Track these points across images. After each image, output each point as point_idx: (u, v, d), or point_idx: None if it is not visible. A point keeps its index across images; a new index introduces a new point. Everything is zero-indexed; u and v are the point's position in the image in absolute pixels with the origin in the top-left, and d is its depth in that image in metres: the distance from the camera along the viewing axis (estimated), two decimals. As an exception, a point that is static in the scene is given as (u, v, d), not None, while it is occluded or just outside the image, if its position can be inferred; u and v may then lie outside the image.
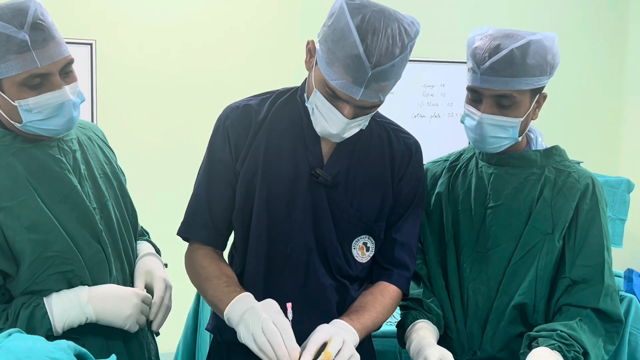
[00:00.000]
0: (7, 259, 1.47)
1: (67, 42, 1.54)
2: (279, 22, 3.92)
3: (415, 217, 1.70)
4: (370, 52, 1.39)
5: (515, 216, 1.68)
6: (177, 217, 1.70)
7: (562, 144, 1.79)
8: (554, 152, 1.74)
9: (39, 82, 1.44)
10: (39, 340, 1.14)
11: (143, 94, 3.75)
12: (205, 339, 2.33)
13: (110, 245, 1.62)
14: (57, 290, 1.52)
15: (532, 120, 1.71)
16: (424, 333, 1.62)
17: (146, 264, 1.74)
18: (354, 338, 1.48)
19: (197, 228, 1.64)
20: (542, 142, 1.76)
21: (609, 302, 1.61)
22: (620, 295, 2.15)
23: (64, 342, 1.15)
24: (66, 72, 1.50)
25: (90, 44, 3.54)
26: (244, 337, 1.39)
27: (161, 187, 3.62)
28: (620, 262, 4.27)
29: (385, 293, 1.64)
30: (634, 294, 3.91)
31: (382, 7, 1.44)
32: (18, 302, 1.48)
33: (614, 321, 1.61)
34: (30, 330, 1.46)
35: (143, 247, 1.80)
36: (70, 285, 1.54)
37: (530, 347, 1.56)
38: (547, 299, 1.66)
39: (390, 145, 1.66)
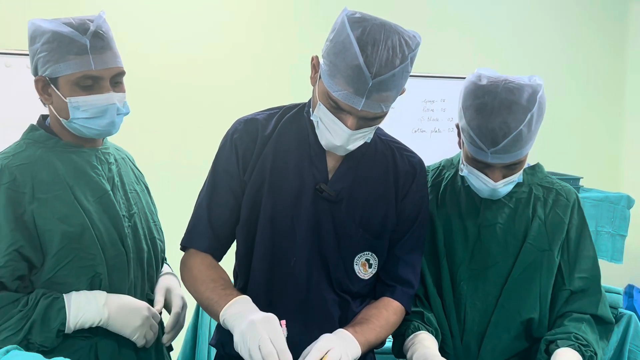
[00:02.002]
0: (35, 249, 1.56)
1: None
2: (279, 39, 3.94)
3: (419, 234, 1.71)
4: (371, 62, 1.41)
5: (512, 234, 1.72)
6: (181, 231, 1.72)
7: (563, 161, 1.82)
8: (537, 170, 1.81)
9: (90, 84, 1.60)
10: (36, 358, 1.14)
11: (146, 108, 3.75)
12: (203, 354, 2.33)
13: (134, 252, 1.72)
14: (77, 287, 1.60)
15: None
16: (429, 344, 1.63)
17: (166, 281, 1.85)
18: (356, 351, 1.48)
19: (197, 236, 1.65)
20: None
21: (604, 309, 1.72)
22: (620, 312, 2.16)
23: None
24: (116, 82, 1.66)
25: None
26: (240, 349, 1.39)
27: (164, 204, 3.62)
28: (621, 278, 4.25)
29: (389, 308, 1.65)
30: (635, 310, 3.91)
31: (382, 20, 1.47)
32: (39, 292, 1.57)
33: (607, 324, 1.73)
34: (45, 319, 1.54)
35: (164, 267, 1.92)
36: (90, 283, 1.62)
37: (547, 351, 1.63)
38: (549, 311, 1.72)
39: (394, 164, 1.67)
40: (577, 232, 1.74)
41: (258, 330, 1.37)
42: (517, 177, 1.68)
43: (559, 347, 1.60)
